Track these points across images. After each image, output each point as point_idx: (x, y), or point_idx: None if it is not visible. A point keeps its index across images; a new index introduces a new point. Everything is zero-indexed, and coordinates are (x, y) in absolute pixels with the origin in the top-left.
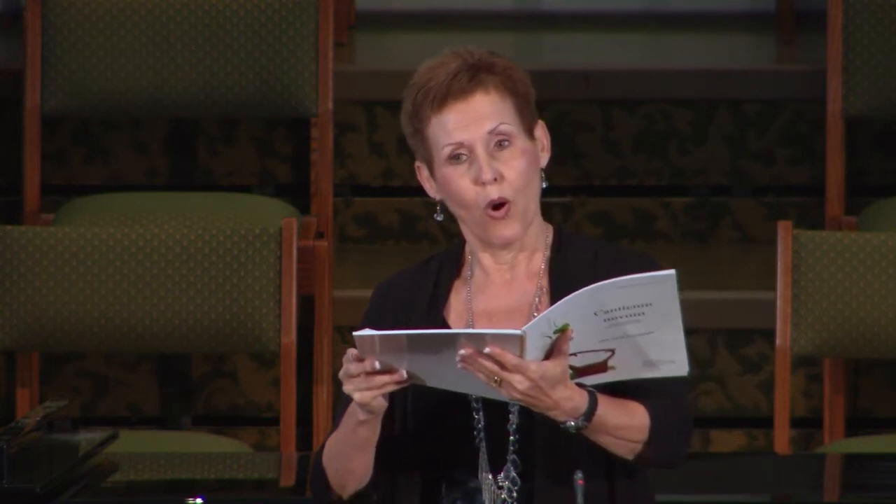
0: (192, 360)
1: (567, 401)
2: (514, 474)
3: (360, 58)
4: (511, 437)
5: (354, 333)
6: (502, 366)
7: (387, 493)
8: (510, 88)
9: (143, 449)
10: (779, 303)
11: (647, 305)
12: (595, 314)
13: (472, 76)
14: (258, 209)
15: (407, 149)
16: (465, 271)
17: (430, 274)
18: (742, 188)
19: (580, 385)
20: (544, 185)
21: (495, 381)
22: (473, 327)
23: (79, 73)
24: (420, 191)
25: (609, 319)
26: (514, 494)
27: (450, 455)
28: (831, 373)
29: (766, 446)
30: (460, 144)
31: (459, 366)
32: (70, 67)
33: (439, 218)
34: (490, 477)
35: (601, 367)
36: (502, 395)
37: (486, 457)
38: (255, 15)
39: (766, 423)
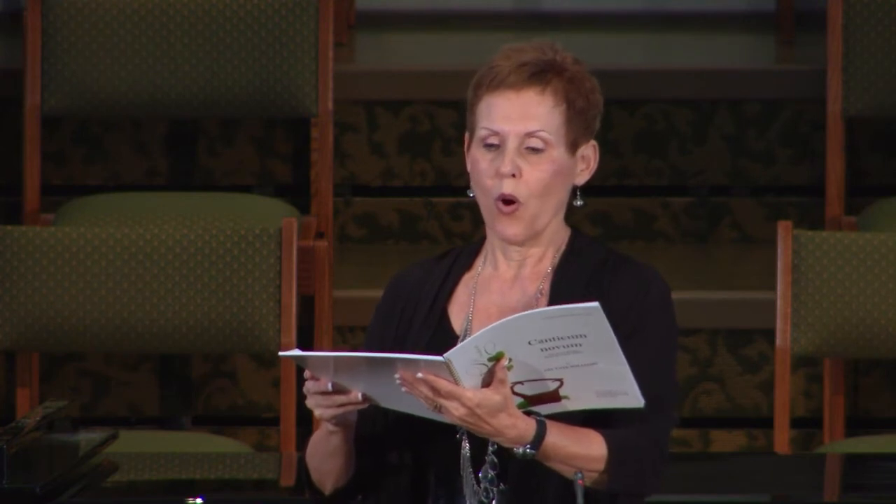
0: (192, 360)
1: (510, 429)
2: (492, 475)
3: (360, 58)
4: (491, 440)
5: (280, 353)
6: (437, 391)
7: (371, 490)
8: (568, 97)
9: (143, 449)
10: (779, 303)
11: (581, 336)
12: (530, 343)
13: (536, 73)
14: (258, 209)
15: (407, 149)
16: (478, 265)
17: (443, 267)
18: (742, 188)
19: (530, 413)
20: (579, 203)
21: (435, 406)
22: (472, 323)
23: (79, 73)
24: (420, 191)
25: (546, 349)
26: (491, 495)
27: (433, 451)
28: (831, 373)
29: (766, 446)
30: (495, 133)
31: (403, 389)
32: (70, 67)
33: (472, 194)
34: (472, 475)
35: (553, 397)
36: (446, 419)
37: (468, 454)
38: (255, 15)
39: (766, 423)
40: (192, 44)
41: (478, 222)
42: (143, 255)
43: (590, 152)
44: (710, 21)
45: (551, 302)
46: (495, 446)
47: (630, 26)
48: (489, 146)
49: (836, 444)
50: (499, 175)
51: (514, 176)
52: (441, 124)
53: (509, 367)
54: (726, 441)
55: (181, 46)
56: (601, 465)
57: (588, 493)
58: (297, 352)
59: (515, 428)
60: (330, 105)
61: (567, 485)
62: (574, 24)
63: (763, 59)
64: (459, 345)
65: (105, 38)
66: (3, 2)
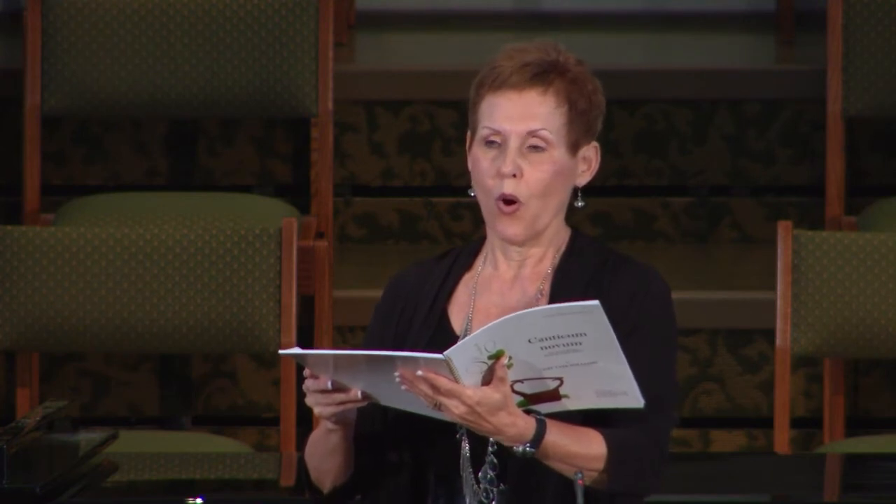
0: (192, 360)
1: (509, 427)
2: (492, 475)
3: (360, 58)
4: (491, 438)
5: (280, 352)
6: (437, 389)
7: (370, 490)
8: (570, 98)
9: (143, 449)
10: (779, 303)
11: (581, 335)
12: (530, 342)
13: (539, 73)
14: (258, 209)
15: (407, 149)
16: (478, 265)
17: (443, 267)
18: (742, 188)
19: (529, 412)
20: (580, 204)
21: (435, 404)
22: (472, 323)
23: (79, 73)
24: (420, 190)
25: (546, 348)
26: (491, 495)
27: (433, 451)
28: (831, 373)
29: (766, 446)
30: (497, 132)
31: (403, 387)
32: (70, 67)
33: (473, 194)
34: (471, 475)
35: (553, 396)
36: (446, 417)
37: (467, 454)
38: (255, 15)
39: (766, 423)
40: (192, 44)
41: (478, 222)
42: (143, 255)
43: (591, 153)
44: (710, 21)
45: (551, 302)
46: (495, 446)
47: (630, 26)
48: (490, 143)
49: (836, 444)
50: (500, 175)
51: (514, 176)
52: (441, 124)
53: (509, 366)
54: (726, 441)
55: (181, 46)
56: (601, 465)
57: (588, 492)
58: (297, 350)
59: (515, 426)
60: (330, 105)
61: (567, 485)
62: (574, 24)
63: (763, 59)
64: (459, 343)
65: (105, 38)
66: (3, 2)
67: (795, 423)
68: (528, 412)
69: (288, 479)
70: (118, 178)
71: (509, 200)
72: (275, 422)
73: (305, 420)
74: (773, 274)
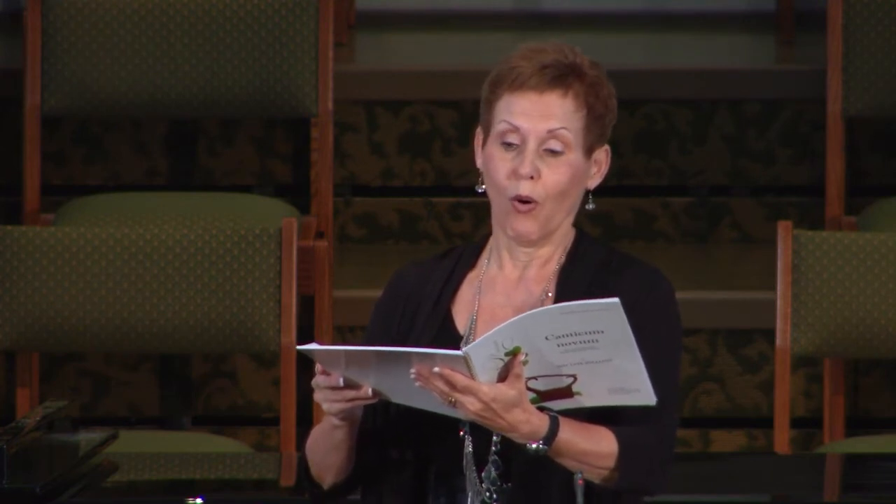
0: (192, 360)
1: (524, 424)
2: (495, 475)
3: (360, 58)
4: (494, 437)
5: (297, 347)
6: (453, 386)
7: (372, 487)
8: (588, 102)
9: (143, 449)
10: (779, 303)
11: (598, 333)
12: (546, 339)
13: (558, 76)
14: (258, 209)
15: (407, 149)
16: (482, 264)
17: (445, 266)
18: (742, 188)
19: (543, 409)
20: (590, 207)
21: (450, 401)
22: (477, 323)
23: (79, 73)
24: (420, 190)
25: (563, 345)
26: (494, 496)
27: (435, 448)
28: (831, 373)
29: (766, 446)
30: (516, 129)
31: (416, 384)
32: (70, 67)
33: (480, 189)
34: (475, 474)
35: (566, 393)
36: (460, 414)
37: (471, 453)
38: (255, 15)
39: (766, 423)
40: (192, 44)
41: (478, 222)
42: (143, 255)
43: (602, 156)
44: (710, 21)
45: (557, 302)
46: (499, 446)
47: (630, 26)
48: (508, 145)
49: (836, 444)
50: (516, 176)
51: (532, 178)
52: (441, 124)
53: (525, 363)
54: (726, 441)
55: (181, 46)
56: (612, 462)
57: (591, 491)
58: (314, 345)
59: (529, 423)
60: (330, 105)
61: (567, 484)
62: (574, 24)
63: (763, 59)
64: (478, 340)
65: (105, 38)
66: (3, 2)
67: (795, 423)
68: (540, 409)
69: (288, 479)
70: (118, 178)
71: (525, 201)
72: (275, 422)
73: (305, 420)
74: (773, 274)
